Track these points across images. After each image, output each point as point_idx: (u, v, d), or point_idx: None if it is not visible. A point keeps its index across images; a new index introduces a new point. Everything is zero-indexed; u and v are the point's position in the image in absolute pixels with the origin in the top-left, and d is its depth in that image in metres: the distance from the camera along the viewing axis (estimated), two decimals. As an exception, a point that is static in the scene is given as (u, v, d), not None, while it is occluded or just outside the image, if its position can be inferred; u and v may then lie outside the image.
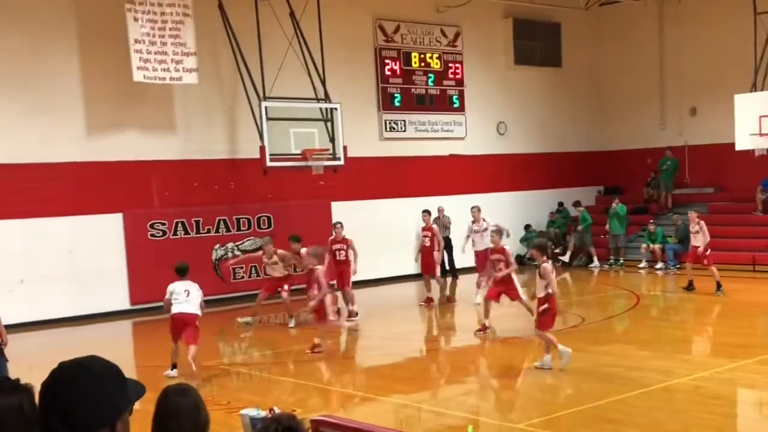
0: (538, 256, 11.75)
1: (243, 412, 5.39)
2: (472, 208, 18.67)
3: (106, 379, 2.42)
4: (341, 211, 21.21)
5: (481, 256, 17.79)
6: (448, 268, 22.97)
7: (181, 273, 12.50)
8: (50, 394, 2.38)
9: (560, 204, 25.77)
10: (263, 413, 5.25)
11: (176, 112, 19.47)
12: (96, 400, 2.35)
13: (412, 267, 22.51)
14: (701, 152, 25.07)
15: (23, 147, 17.46)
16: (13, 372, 7.10)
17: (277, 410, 5.15)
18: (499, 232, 15.19)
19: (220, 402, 10.50)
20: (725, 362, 11.55)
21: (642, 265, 22.91)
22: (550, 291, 11.42)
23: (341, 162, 19.05)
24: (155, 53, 17.54)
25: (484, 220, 18.29)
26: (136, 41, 17.26)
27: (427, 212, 18.91)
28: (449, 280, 22.68)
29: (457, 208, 23.10)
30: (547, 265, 11.53)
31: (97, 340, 16.02)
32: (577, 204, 25.02)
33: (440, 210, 22.88)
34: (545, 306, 11.49)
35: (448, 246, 22.84)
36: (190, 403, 4.25)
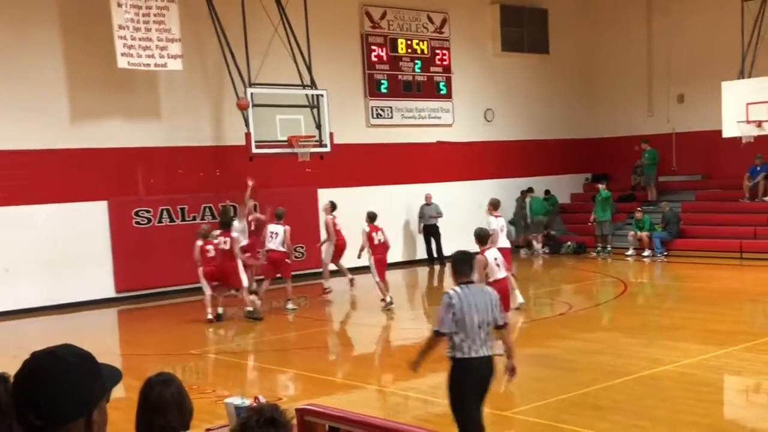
0: (477, 244, 11.90)
1: (227, 400, 5.32)
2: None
3: (80, 367, 2.34)
4: (328, 198, 21.12)
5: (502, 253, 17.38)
6: (436, 255, 22.92)
7: (278, 217, 16.55)
8: (23, 385, 2.30)
9: (547, 192, 25.71)
10: (248, 402, 5.19)
11: (161, 99, 19.30)
12: (70, 390, 2.28)
13: (399, 254, 22.47)
14: (689, 139, 25.07)
15: (6, 134, 17.29)
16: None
17: (262, 399, 5.08)
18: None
19: (205, 390, 10.45)
20: (712, 349, 11.54)
21: (629, 252, 22.92)
22: (490, 279, 11.55)
23: (328, 149, 18.95)
24: (140, 39, 17.35)
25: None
26: (120, 27, 17.06)
27: (329, 204, 18.43)
28: (437, 267, 22.64)
29: (443, 195, 23.08)
30: (481, 257, 11.66)
31: (82, 328, 15.91)
32: (529, 191, 24.95)
33: (428, 197, 22.83)
34: None
35: (436, 233, 22.80)
36: (174, 393, 4.20)
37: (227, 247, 15.68)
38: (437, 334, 6.87)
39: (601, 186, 23.83)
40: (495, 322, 6.93)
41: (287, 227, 16.61)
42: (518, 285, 15.42)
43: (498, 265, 11.80)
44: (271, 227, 16.67)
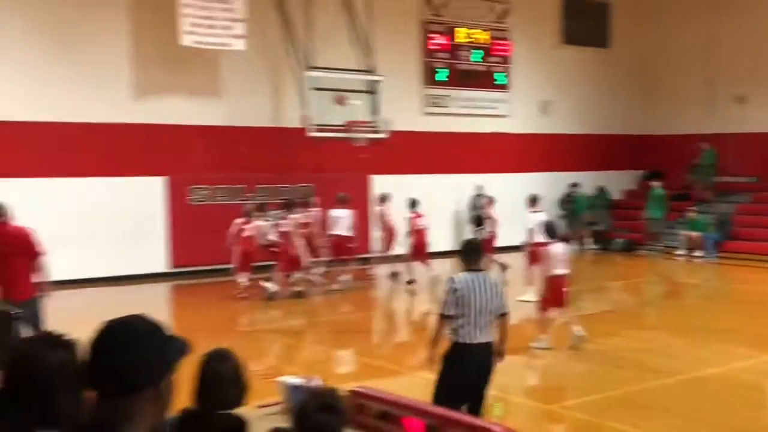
0: (547, 237, 11.98)
1: (281, 379, 5.40)
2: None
3: (152, 337, 2.39)
4: (380, 184, 21.23)
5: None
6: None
7: (342, 202, 17.13)
8: (97, 352, 2.36)
9: (600, 188, 25.51)
10: (301, 381, 5.28)
11: (222, 78, 19.52)
12: (142, 359, 2.33)
13: (449, 243, 22.48)
14: (747, 141, 24.65)
15: (71, 107, 17.62)
16: (56, 328, 7.23)
17: (317, 380, 5.18)
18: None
19: (256, 368, 10.64)
20: (761, 353, 11.46)
21: (680, 252, 22.67)
22: (549, 274, 11.60)
23: (384, 135, 19.06)
24: (204, 18, 17.62)
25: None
26: (186, 5, 17.35)
27: (380, 195, 18.88)
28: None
29: (495, 185, 22.96)
30: (546, 249, 11.73)
31: (139, 300, 16.19)
32: (575, 186, 24.71)
33: (478, 188, 22.72)
34: (545, 288, 11.73)
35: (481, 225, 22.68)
36: (230, 368, 4.34)
37: (287, 229, 15.86)
38: (442, 318, 7.00)
39: (655, 183, 23.59)
40: (498, 311, 7.01)
41: (352, 211, 17.02)
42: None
43: (561, 260, 11.74)
44: (334, 212, 17.08)
